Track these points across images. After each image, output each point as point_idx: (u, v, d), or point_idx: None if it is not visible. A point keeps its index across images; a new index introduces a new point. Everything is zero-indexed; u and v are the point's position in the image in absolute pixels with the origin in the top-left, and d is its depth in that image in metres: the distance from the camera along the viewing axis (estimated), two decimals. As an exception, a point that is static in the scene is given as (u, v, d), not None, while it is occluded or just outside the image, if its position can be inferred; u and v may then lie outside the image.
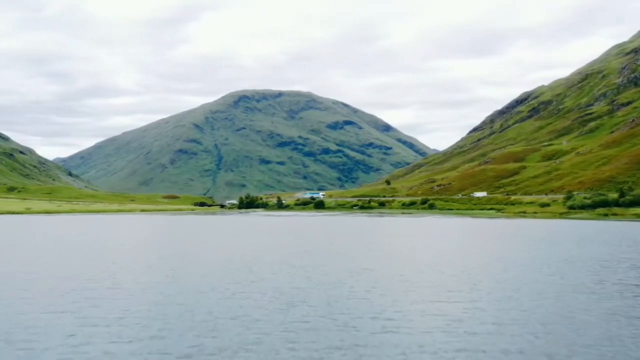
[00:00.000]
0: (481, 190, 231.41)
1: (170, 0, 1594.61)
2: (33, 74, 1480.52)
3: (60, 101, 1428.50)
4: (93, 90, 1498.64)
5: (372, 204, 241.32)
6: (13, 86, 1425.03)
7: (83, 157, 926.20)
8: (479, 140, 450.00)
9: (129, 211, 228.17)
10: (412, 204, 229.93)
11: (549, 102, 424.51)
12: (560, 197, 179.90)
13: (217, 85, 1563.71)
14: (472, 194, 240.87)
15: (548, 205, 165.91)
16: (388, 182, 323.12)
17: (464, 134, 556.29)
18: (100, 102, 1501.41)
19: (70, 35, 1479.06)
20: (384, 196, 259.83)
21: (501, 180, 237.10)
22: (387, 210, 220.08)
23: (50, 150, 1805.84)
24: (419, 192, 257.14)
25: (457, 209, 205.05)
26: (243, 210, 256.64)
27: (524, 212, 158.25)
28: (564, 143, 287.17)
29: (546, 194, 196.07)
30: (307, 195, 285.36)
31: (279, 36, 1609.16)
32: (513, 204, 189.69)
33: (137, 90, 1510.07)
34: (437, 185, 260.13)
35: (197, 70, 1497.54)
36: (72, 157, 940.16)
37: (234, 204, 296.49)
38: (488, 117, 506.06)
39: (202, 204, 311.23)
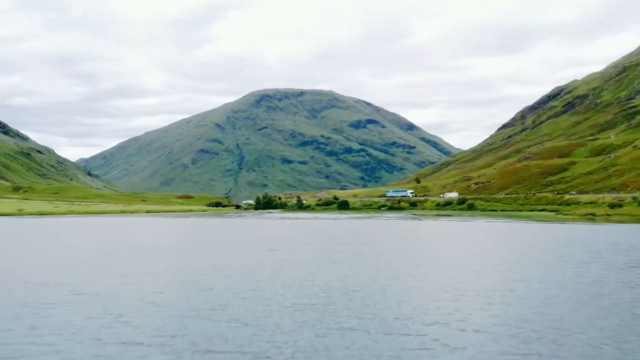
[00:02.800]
0: (526, 188, 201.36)
1: (195, 0, 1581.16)
2: (59, 75, 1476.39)
3: (86, 102, 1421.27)
4: (118, 90, 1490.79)
5: (403, 204, 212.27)
6: (40, 87, 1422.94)
7: (105, 158, 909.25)
8: (509, 137, 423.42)
9: (133, 212, 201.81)
10: (447, 204, 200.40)
11: (584, 96, 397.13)
12: (627, 196, 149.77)
13: (242, 85, 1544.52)
14: (443, 195, 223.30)
15: (620, 205, 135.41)
16: (418, 180, 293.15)
17: (489, 133, 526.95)
18: (126, 102, 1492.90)
19: (96, 36, 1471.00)
20: (415, 195, 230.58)
21: (548, 178, 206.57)
22: (420, 211, 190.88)
23: (76, 151, 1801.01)
24: (454, 191, 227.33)
25: (502, 210, 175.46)
26: (259, 211, 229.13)
27: (593, 215, 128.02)
28: (612, 137, 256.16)
29: (607, 193, 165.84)
30: (392, 193, 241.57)
31: (303, 35, 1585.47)
32: (569, 204, 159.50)
33: (162, 90, 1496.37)
34: (475, 184, 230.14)
35: (222, 70, 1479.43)
36: (94, 158, 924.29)
37: (250, 205, 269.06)
38: (518, 113, 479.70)
39: (217, 204, 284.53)
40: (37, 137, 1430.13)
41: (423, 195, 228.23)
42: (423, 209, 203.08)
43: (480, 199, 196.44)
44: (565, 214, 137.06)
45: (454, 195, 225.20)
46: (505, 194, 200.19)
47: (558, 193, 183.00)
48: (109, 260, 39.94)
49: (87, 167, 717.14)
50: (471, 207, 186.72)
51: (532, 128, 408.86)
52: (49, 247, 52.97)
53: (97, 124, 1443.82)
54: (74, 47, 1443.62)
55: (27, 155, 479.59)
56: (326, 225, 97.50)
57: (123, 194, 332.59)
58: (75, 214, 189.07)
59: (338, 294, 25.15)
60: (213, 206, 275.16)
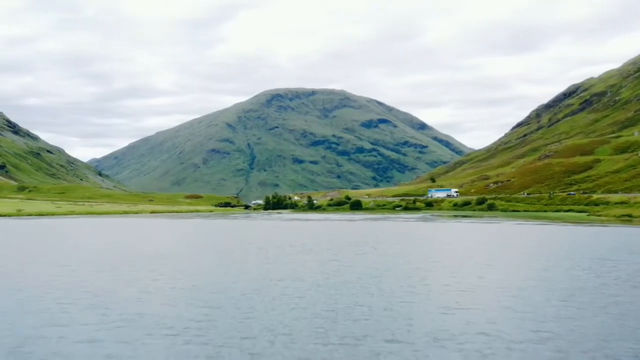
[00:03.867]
0: (548, 187, 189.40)
1: (207, 0, 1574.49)
2: (72, 75, 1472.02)
3: (98, 102, 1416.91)
4: (130, 91, 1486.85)
5: (418, 204, 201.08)
6: (52, 88, 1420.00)
7: (117, 158, 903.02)
8: (525, 135, 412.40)
9: (136, 213, 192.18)
10: (465, 204, 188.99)
11: (602, 94, 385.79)
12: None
13: (254, 85, 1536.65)
14: (430, 194, 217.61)
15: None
16: (433, 179, 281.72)
17: (502, 132, 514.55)
18: (138, 102, 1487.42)
19: (108, 36, 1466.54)
20: (431, 195, 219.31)
21: (572, 176, 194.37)
22: (437, 212, 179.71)
23: (89, 152, 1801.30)
24: (472, 190, 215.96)
25: (525, 211, 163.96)
26: (268, 211, 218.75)
27: (630, 216, 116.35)
28: (635, 134, 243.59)
29: (638, 192, 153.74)
30: (435, 192, 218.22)
31: (315, 35, 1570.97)
32: (597, 204, 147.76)
33: (174, 90, 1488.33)
34: (493, 183, 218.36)
35: (234, 70, 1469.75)
36: (106, 158, 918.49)
37: (259, 205, 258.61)
38: (533, 111, 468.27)
39: (226, 204, 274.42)
40: (50, 137, 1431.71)
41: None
42: (440, 209, 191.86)
43: (500, 198, 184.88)
44: (599, 215, 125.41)
45: (442, 194, 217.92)
46: (527, 194, 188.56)
47: (584, 192, 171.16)
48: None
49: (99, 168, 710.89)
50: (491, 208, 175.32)
51: (549, 126, 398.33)
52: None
53: (109, 124, 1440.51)
54: (86, 47, 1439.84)
55: (37, 155, 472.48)
56: (339, 228, 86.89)
57: (130, 194, 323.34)
58: (77, 214, 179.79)
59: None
60: (222, 206, 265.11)
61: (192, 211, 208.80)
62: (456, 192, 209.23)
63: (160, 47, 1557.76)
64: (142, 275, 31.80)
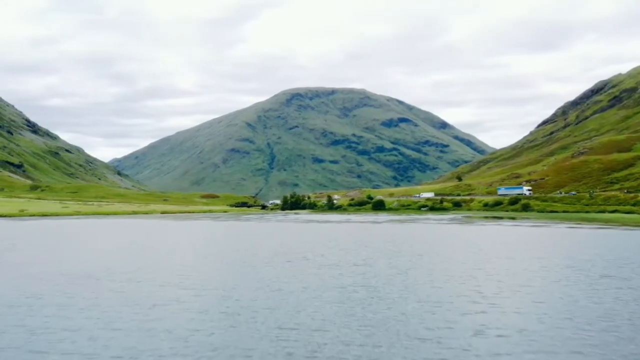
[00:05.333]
0: (587, 186, 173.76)
1: (228, 0, 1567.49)
2: (95, 75, 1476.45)
3: (120, 102, 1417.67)
4: (152, 91, 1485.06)
5: (445, 204, 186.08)
6: (76, 88, 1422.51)
7: (137, 157, 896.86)
8: (551, 133, 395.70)
9: (146, 213, 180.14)
10: (497, 204, 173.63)
11: (632, 90, 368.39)
12: None
13: (275, 84, 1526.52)
14: (418, 195, 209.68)
15: None
16: (459, 178, 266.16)
17: (524, 131, 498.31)
18: (160, 103, 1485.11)
19: (130, 37, 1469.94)
20: (459, 194, 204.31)
21: (612, 174, 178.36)
22: (466, 212, 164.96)
23: (111, 151, 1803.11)
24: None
25: (564, 211, 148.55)
26: (286, 211, 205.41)
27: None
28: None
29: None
30: (505, 190, 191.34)
31: (336, 34, 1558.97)
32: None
33: (196, 90, 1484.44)
34: (526, 181, 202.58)
35: (256, 70, 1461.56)
36: (127, 158, 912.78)
37: (276, 205, 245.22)
38: (559, 109, 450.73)
39: (243, 204, 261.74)
40: (73, 137, 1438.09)
41: (468, 195, 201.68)
42: (469, 209, 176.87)
43: (535, 198, 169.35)
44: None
45: (430, 194, 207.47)
46: (563, 193, 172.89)
47: (627, 192, 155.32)
48: None
49: (120, 167, 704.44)
50: (526, 208, 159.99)
51: (576, 124, 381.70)
52: None
53: (131, 125, 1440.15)
54: (109, 47, 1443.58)
55: (55, 154, 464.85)
56: (363, 232, 72.95)
57: (145, 194, 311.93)
58: (82, 215, 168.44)
59: None
60: (238, 206, 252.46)
61: (205, 211, 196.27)
62: (529, 190, 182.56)
63: (182, 47, 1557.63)
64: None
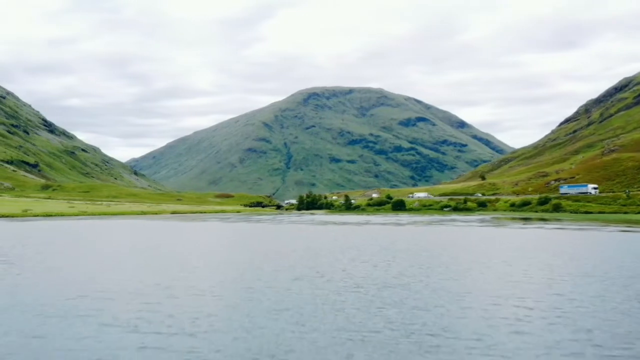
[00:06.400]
0: (622, 185, 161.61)
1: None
2: (112, 76, 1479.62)
3: (138, 102, 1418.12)
4: (170, 91, 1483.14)
5: (469, 204, 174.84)
6: (94, 88, 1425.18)
7: (155, 157, 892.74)
8: (574, 131, 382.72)
9: (156, 213, 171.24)
10: (525, 204, 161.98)
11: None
12: None
13: (292, 84, 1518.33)
14: (412, 195, 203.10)
15: None
16: (483, 177, 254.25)
17: (543, 130, 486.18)
18: (177, 103, 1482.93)
19: (147, 36, 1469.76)
20: (483, 194, 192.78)
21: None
22: (492, 213, 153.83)
23: (129, 151, 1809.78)
24: (530, 188, 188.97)
25: (600, 212, 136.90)
26: (301, 212, 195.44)
27: None
28: None
29: None
30: (567, 188, 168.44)
31: (353, 33, 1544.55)
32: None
33: (212, 90, 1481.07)
34: (554, 180, 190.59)
35: (272, 69, 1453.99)
36: (144, 157, 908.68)
37: (292, 204, 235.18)
38: (581, 106, 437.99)
39: (257, 204, 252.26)
40: (91, 137, 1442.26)
41: (493, 194, 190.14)
42: (495, 209, 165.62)
43: (567, 197, 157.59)
44: None
45: (423, 195, 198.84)
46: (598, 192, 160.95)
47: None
48: None
49: (137, 167, 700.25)
50: (557, 208, 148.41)
51: (600, 122, 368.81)
52: None
53: (149, 125, 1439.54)
54: (126, 47, 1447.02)
55: (71, 153, 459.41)
56: (389, 236, 62.45)
57: (158, 194, 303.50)
58: (88, 215, 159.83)
59: None
60: (253, 206, 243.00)
61: (216, 212, 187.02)
62: (595, 188, 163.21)
63: (199, 47, 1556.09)
64: None
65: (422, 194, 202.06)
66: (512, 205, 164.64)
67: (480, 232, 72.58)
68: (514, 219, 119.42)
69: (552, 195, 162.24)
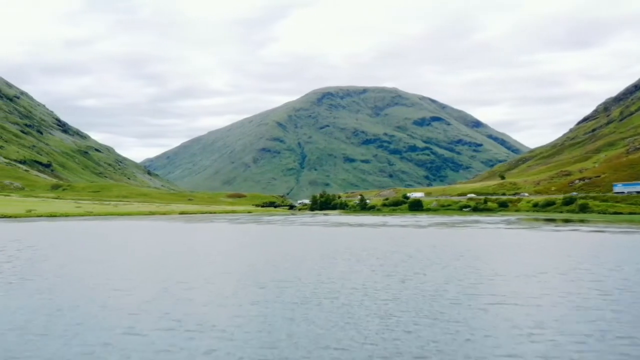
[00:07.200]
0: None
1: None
2: (128, 76, 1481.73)
3: (153, 103, 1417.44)
4: (185, 91, 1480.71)
5: (490, 204, 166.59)
6: (110, 89, 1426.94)
7: (169, 157, 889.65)
8: (594, 130, 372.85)
9: (164, 213, 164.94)
10: (549, 204, 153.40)
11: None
12: None
13: (306, 84, 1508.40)
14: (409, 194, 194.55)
15: None
16: (502, 177, 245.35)
17: (560, 130, 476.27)
18: (192, 103, 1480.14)
19: (163, 37, 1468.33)
20: (503, 194, 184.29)
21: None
22: (515, 214, 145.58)
23: (145, 152, 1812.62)
24: (553, 188, 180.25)
25: (631, 213, 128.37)
26: (314, 212, 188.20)
27: None
28: None
29: None
30: (623, 187, 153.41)
31: (368, 33, 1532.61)
32: None
33: (227, 90, 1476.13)
34: (579, 179, 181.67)
35: (287, 69, 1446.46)
36: (158, 157, 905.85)
37: (305, 205, 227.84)
38: (600, 105, 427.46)
39: (270, 204, 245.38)
40: (107, 138, 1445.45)
41: (514, 194, 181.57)
42: (517, 210, 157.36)
43: (593, 197, 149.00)
44: None
45: (419, 195, 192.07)
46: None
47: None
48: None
49: (152, 167, 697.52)
50: (584, 209, 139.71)
51: (621, 120, 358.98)
52: None
53: (164, 125, 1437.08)
54: (142, 48, 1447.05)
55: (85, 153, 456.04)
56: (412, 241, 54.95)
57: (169, 193, 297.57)
58: (94, 215, 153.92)
59: None
60: (265, 206, 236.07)
61: (227, 212, 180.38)
62: None
63: (213, 47, 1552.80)
64: None
65: (418, 194, 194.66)
66: (535, 205, 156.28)
67: (512, 235, 64.92)
68: (537, 220, 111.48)
69: (577, 195, 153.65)
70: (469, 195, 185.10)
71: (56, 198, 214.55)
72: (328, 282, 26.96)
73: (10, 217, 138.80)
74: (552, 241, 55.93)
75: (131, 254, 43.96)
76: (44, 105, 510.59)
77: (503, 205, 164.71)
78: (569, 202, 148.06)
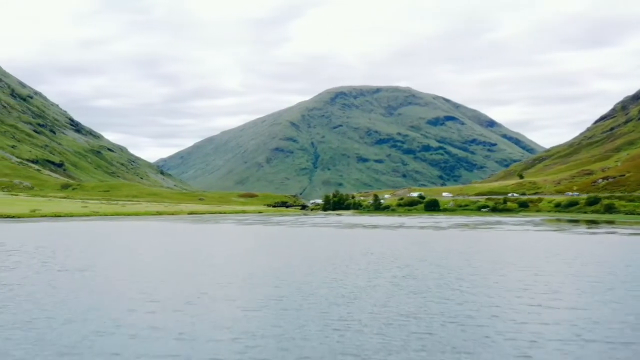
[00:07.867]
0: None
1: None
2: (142, 76, 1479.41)
3: (167, 103, 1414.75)
4: (199, 91, 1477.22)
5: (509, 204, 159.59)
6: (124, 89, 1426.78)
7: (182, 157, 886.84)
8: (612, 129, 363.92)
9: (172, 214, 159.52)
10: (572, 204, 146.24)
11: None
12: None
13: (319, 84, 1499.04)
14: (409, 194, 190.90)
15: None
16: (521, 176, 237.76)
17: (575, 129, 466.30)
18: (206, 103, 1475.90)
19: (176, 37, 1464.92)
20: (523, 193, 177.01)
21: None
22: (536, 214, 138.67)
23: (159, 152, 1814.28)
24: (574, 187, 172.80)
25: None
26: (327, 212, 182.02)
27: None
28: None
29: None
30: None
31: (381, 32, 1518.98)
32: None
33: (241, 91, 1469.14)
34: (602, 179, 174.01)
35: (300, 69, 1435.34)
36: (172, 157, 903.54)
37: (318, 204, 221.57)
38: (618, 103, 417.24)
39: (282, 204, 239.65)
40: (121, 138, 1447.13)
41: (535, 193, 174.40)
42: (538, 210, 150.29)
43: (619, 197, 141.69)
44: None
45: (416, 195, 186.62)
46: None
47: None
48: None
49: (165, 167, 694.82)
50: (610, 209, 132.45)
51: (639, 119, 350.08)
52: None
53: (178, 125, 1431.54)
54: (156, 48, 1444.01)
55: (97, 153, 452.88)
56: (437, 247, 48.66)
57: (180, 193, 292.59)
58: (101, 215, 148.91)
59: None
60: (277, 206, 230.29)
61: (237, 212, 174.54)
62: None
63: (227, 47, 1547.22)
64: None
65: (415, 194, 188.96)
66: (558, 205, 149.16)
67: (548, 239, 58.43)
68: (560, 220, 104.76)
69: (602, 195, 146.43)
70: (510, 195, 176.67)
71: (64, 197, 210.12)
72: (337, 304, 20.88)
73: (12, 217, 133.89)
74: (601, 248, 49.38)
75: (103, 265, 38.17)
76: (57, 105, 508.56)
77: (523, 205, 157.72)
78: (593, 202, 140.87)
